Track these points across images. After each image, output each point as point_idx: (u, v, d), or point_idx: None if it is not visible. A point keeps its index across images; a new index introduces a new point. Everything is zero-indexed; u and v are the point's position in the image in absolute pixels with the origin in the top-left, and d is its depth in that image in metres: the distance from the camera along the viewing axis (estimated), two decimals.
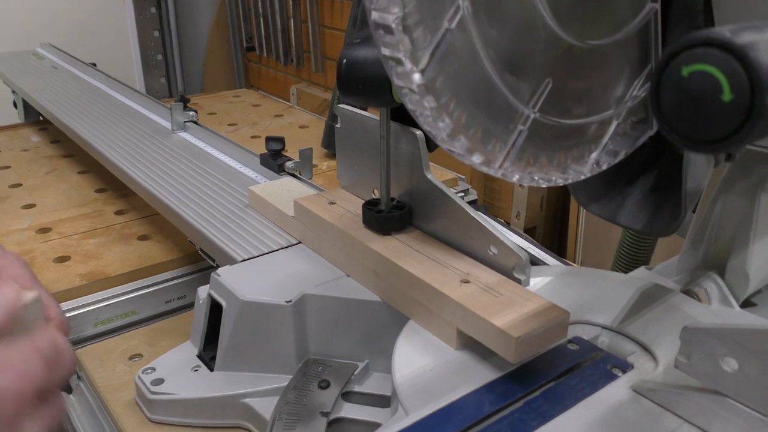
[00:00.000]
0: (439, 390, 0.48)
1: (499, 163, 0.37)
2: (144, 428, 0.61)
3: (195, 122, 1.06)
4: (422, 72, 0.32)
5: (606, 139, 0.42)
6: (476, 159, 0.36)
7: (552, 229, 1.30)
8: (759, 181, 0.56)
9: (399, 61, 0.32)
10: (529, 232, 1.27)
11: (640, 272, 0.64)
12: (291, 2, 1.89)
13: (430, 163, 0.61)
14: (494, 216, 0.94)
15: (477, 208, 0.60)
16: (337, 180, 0.72)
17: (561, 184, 0.41)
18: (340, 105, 0.69)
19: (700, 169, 0.45)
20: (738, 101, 0.22)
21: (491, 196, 1.35)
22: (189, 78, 2.27)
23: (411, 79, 0.32)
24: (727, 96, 0.22)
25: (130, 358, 0.71)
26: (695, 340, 0.43)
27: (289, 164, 0.84)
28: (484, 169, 0.37)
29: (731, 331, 0.42)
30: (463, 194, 1.08)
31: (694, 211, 0.65)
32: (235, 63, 2.26)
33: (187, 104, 1.05)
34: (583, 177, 0.42)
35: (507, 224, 0.93)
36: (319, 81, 1.90)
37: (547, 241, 1.34)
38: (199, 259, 0.86)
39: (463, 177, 1.13)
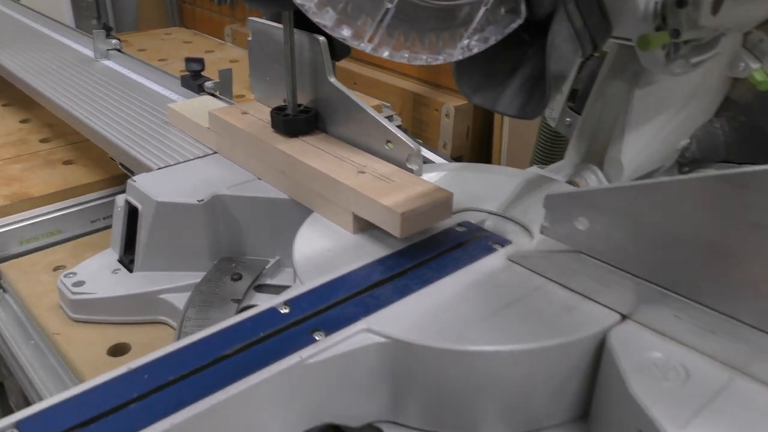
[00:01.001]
0: (334, 266, 0.52)
1: (368, 37, 0.41)
2: (67, 327, 0.65)
3: (119, 50, 1.06)
4: None
5: (475, 23, 0.46)
6: (345, 32, 0.40)
7: (477, 158, 1.35)
8: (633, 78, 0.61)
9: None
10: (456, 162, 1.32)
11: (533, 170, 0.69)
12: None
13: (356, 92, 0.64)
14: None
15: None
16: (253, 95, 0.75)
17: (432, 64, 0.45)
18: (251, 18, 0.71)
19: (564, 55, 0.50)
20: None
21: (419, 128, 1.39)
22: (121, 20, 2.23)
23: None
24: None
25: (55, 269, 0.74)
26: (555, 205, 0.48)
27: (208, 84, 0.86)
28: (354, 44, 0.41)
29: (583, 193, 0.47)
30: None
31: (579, 113, 0.71)
32: (168, 4, 2.23)
33: (110, 32, 1.05)
34: (454, 59, 0.46)
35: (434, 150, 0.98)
36: None
37: None
38: (123, 181, 0.88)
39: (387, 104, 1.16)
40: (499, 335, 0.44)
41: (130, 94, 0.91)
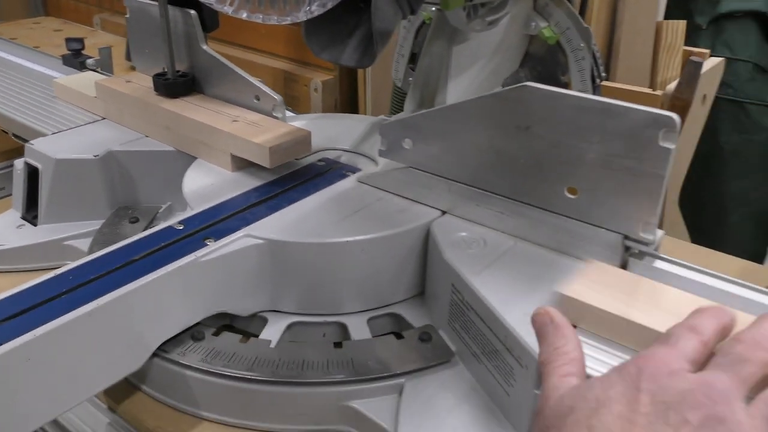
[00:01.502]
0: (217, 195, 0.64)
1: (229, 1, 0.53)
2: None
3: None
4: None
5: None
6: None
7: None
8: (450, 37, 0.76)
9: None
10: None
11: (378, 117, 0.83)
12: None
13: (232, 63, 0.75)
14: None
15: None
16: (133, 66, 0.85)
17: (282, 24, 0.58)
18: None
19: (386, 16, 0.64)
20: None
21: (291, 103, 1.51)
22: None
23: None
24: None
25: None
26: (387, 131, 0.63)
27: (90, 61, 0.94)
28: (219, 7, 0.53)
29: (407, 119, 0.62)
30: None
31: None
32: None
33: None
34: (299, 20, 0.59)
35: None
36: (122, 9, 1.92)
37: None
38: (14, 156, 0.95)
39: (260, 79, 1.27)
40: (349, 230, 0.58)
41: (14, 74, 0.97)
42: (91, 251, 0.68)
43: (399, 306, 0.61)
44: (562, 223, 0.54)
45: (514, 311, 0.47)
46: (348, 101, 1.51)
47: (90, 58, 0.95)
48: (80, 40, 0.96)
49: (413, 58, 0.92)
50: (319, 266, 0.58)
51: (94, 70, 0.95)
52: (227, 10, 0.53)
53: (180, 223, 0.59)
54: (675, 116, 0.46)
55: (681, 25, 1.12)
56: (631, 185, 0.49)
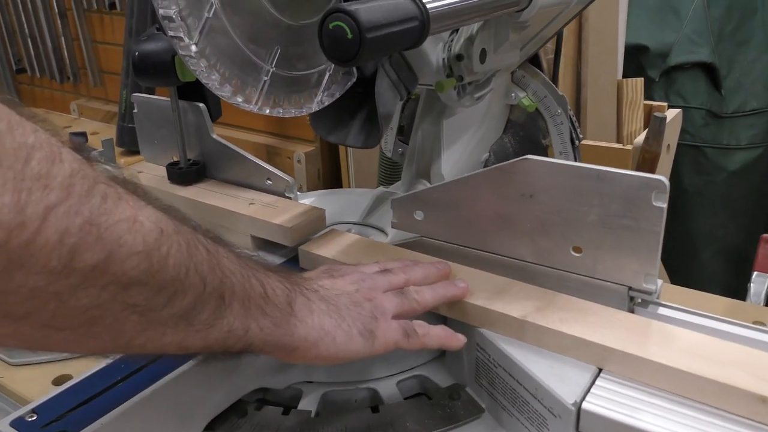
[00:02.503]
0: None
1: (254, 101, 0.58)
2: (7, 371, 0.74)
3: None
4: (196, 44, 0.52)
5: (324, 84, 0.65)
6: (239, 99, 0.57)
7: None
8: (440, 112, 0.83)
9: (180, 39, 0.51)
10: None
11: (379, 189, 0.89)
12: (60, 21, 1.95)
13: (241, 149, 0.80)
14: None
15: None
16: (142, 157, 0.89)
17: (298, 115, 0.63)
18: (135, 94, 0.86)
19: (388, 101, 0.70)
20: (355, 38, 0.45)
21: None
22: None
23: (189, 49, 0.52)
24: (350, 35, 0.45)
25: None
26: (399, 205, 0.68)
27: (94, 153, 0.98)
28: (246, 106, 0.58)
29: (417, 193, 0.67)
30: None
31: (407, 143, 0.92)
32: (6, 87, 2.24)
33: None
34: (313, 110, 0.65)
35: None
36: (99, 95, 1.97)
37: None
38: None
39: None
40: None
41: None
42: None
43: (423, 368, 0.65)
44: (570, 280, 0.59)
45: (540, 363, 0.52)
46: (331, 170, 1.57)
47: (94, 150, 0.99)
48: (83, 134, 1.00)
49: (401, 130, 0.99)
50: None
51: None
52: (252, 108, 0.59)
53: None
54: (664, 179, 0.53)
55: (639, 82, 1.22)
56: (630, 242, 0.55)
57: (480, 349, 0.58)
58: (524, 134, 0.91)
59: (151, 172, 0.85)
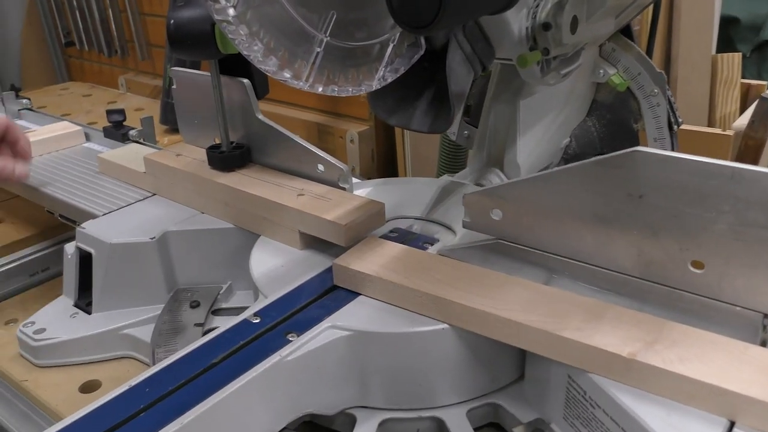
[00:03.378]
0: (291, 278, 0.59)
1: (305, 77, 0.49)
2: (32, 373, 0.68)
3: (30, 109, 1.08)
4: (234, 7, 0.42)
5: (386, 58, 0.55)
6: (287, 74, 0.47)
7: (385, 176, 1.44)
8: (517, 90, 0.72)
9: (216, 1, 0.42)
10: None
11: (444, 178, 0.79)
12: None
13: (290, 132, 0.70)
14: None
15: None
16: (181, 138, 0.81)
17: (356, 94, 0.53)
18: (174, 68, 0.78)
19: (461, 78, 0.59)
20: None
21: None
22: (5, 81, 2.18)
23: (227, 13, 0.42)
24: None
25: (7, 323, 0.76)
26: (472, 202, 0.58)
27: (132, 132, 0.91)
28: (294, 83, 0.49)
29: (495, 189, 0.57)
30: None
31: (475, 125, 0.82)
32: (54, 60, 2.20)
33: (19, 93, 1.07)
34: (373, 89, 0.55)
35: None
36: (147, 69, 1.91)
37: None
38: (57, 234, 0.91)
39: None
40: None
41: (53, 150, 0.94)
42: (154, 343, 0.64)
43: (497, 395, 0.55)
44: (687, 301, 0.48)
45: (654, 412, 0.42)
46: (385, 152, 1.47)
47: (132, 128, 0.91)
48: (121, 111, 0.92)
49: (467, 111, 0.88)
50: (412, 357, 0.52)
51: (137, 142, 0.91)
52: (302, 85, 0.49)
53: (255, 315, 0.54)
54: None
55: (737, 57, 1.07)
56: None
57: (572, 382, 0.48)
58: (612, 117, 0.79)
59: (191, 155, 0.76)
